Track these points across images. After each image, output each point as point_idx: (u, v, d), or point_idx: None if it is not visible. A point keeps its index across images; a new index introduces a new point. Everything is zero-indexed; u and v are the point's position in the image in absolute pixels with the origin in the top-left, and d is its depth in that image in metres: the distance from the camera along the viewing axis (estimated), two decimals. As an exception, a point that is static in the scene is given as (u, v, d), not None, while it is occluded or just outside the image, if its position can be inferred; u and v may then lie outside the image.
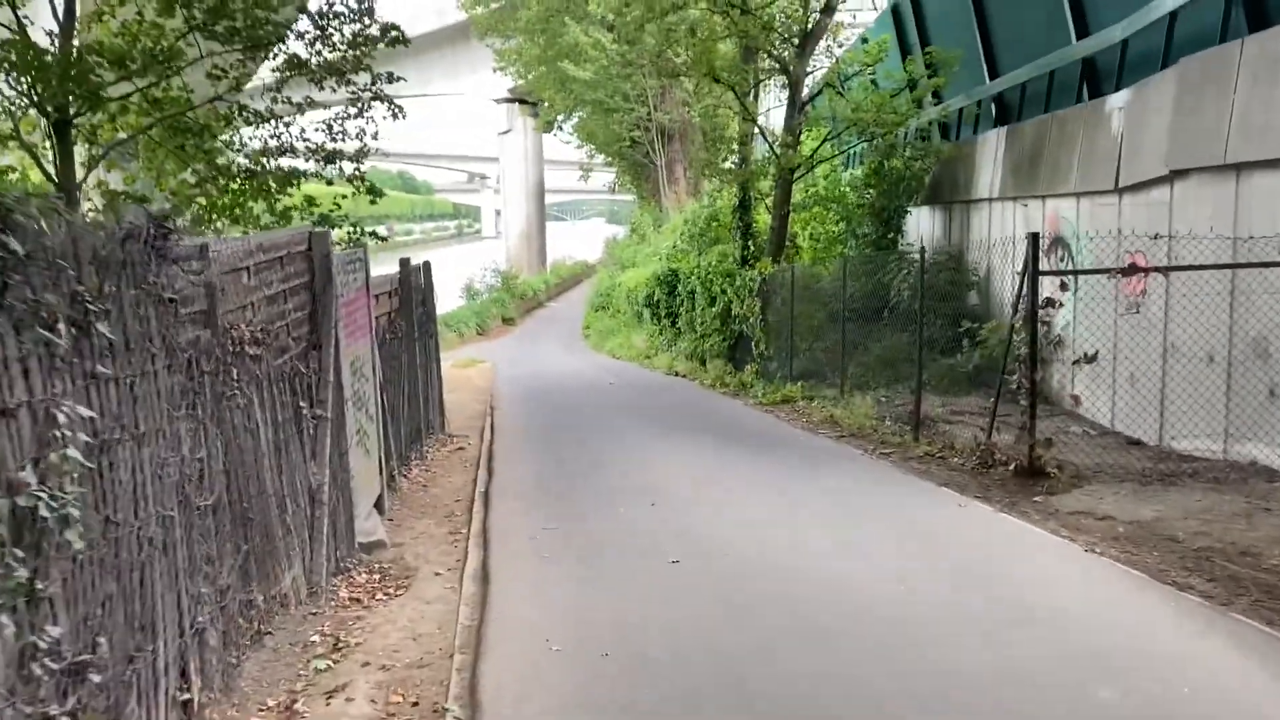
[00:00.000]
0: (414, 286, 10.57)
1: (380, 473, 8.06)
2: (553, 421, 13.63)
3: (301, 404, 6.20)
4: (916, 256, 16.33)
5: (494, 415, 14.35)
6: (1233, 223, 8.30)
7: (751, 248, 18.66)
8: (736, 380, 16.15)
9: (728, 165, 18.68)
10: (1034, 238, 7.96)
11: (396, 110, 12.81)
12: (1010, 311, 10.07)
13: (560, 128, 48.85)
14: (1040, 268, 7.99)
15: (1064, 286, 8.11)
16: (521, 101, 56.99)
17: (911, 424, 10.24)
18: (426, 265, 12.60)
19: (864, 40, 19.30)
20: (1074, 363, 8.92)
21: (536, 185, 61.86)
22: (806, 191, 18.67)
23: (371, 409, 7.89)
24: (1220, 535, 6.25)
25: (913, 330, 14.82)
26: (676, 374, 19.16)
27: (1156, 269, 7.97)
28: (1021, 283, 8.02)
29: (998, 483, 8.11)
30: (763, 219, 19.37)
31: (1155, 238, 8.45)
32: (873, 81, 17.74)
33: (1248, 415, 8.49)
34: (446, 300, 37.16)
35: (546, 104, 42.59)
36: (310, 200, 11.55)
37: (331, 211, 11.74)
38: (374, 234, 12.52)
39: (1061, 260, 11.93)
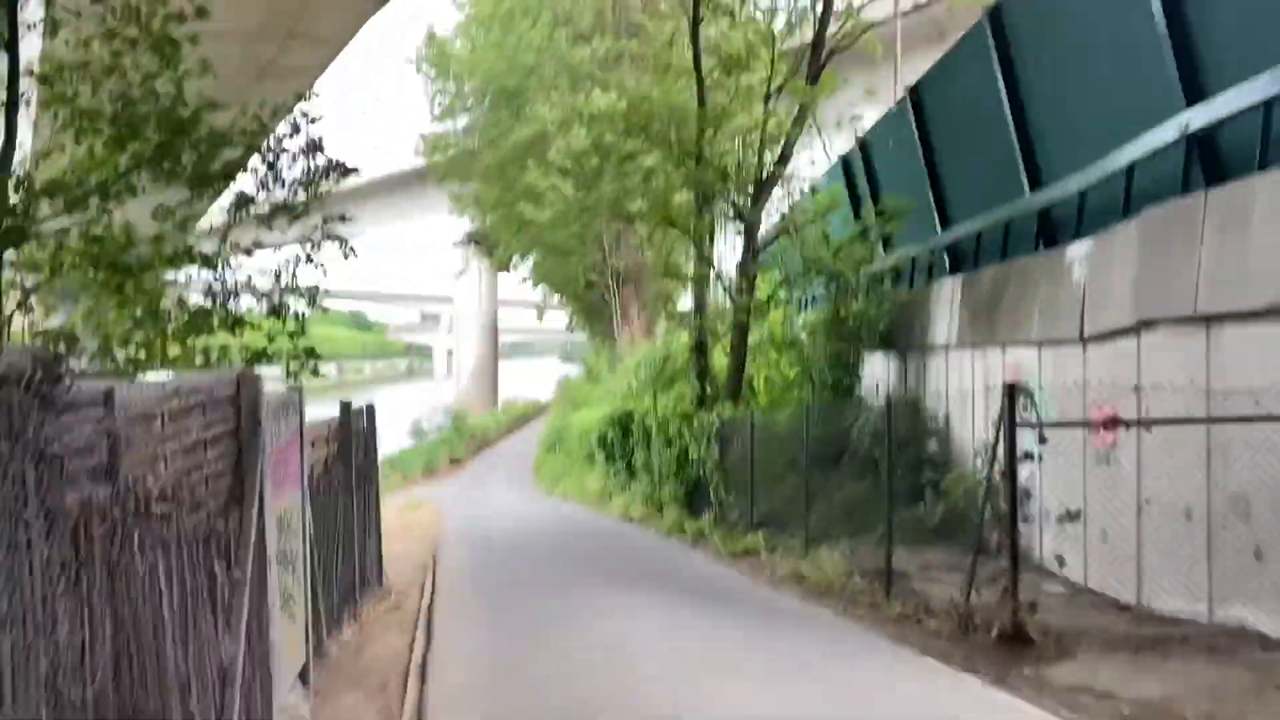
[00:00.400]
0: (355, 431, 9.93)
1: (306, 639, 7.24)
2: (499, 574, 12.82)
3: (217, 567, 5.48)
4: (876, 404, 16.15)
5: (437, 567, 13.49)
6: (1205, 374, 8.08)
7: (708, 390, 18.36)
8: (695, 528, 15.51)
9: (683, 308, 18.58)
10: (1010, 389, 7.66)
11: (348, 251, 12.34)
12: (982, 464, 9.70)
13: (515, 268, 49.19)
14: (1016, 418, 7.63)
15: (1043, 439, 7.75)
16: (477, 243, 57.64)
17: (882, 582, 9.66)
18: (370, 408, 11.99)
19: (813, 190, 19.63)
20: (1058, 520, 8.49)
21: (490, 324, 61.88)
22: (762, 335, 18.58)
23: (300, 567, 7.14)
24: (1234, 717, 5.70)
25: (874, 478, 14.42)
26: (632, 519, 18.47)
27: (1140, 422, 7.66)
28: (997, 434, 7.65)
29: (981, 650, 7.51)
30: (719, 361, 19.16)
31: (1136, 389, 8.18)
32: (824, 234, 17.93)
33: (1232, 576, 8.06)
34: (395, 440, 36.23)
35: (502, 246, 42.95)
36: (250, 349, 11.01)
37: (266, 349, 11.19)
38: (314, 368, 11.61)
39: (1025, 410, 11.69)
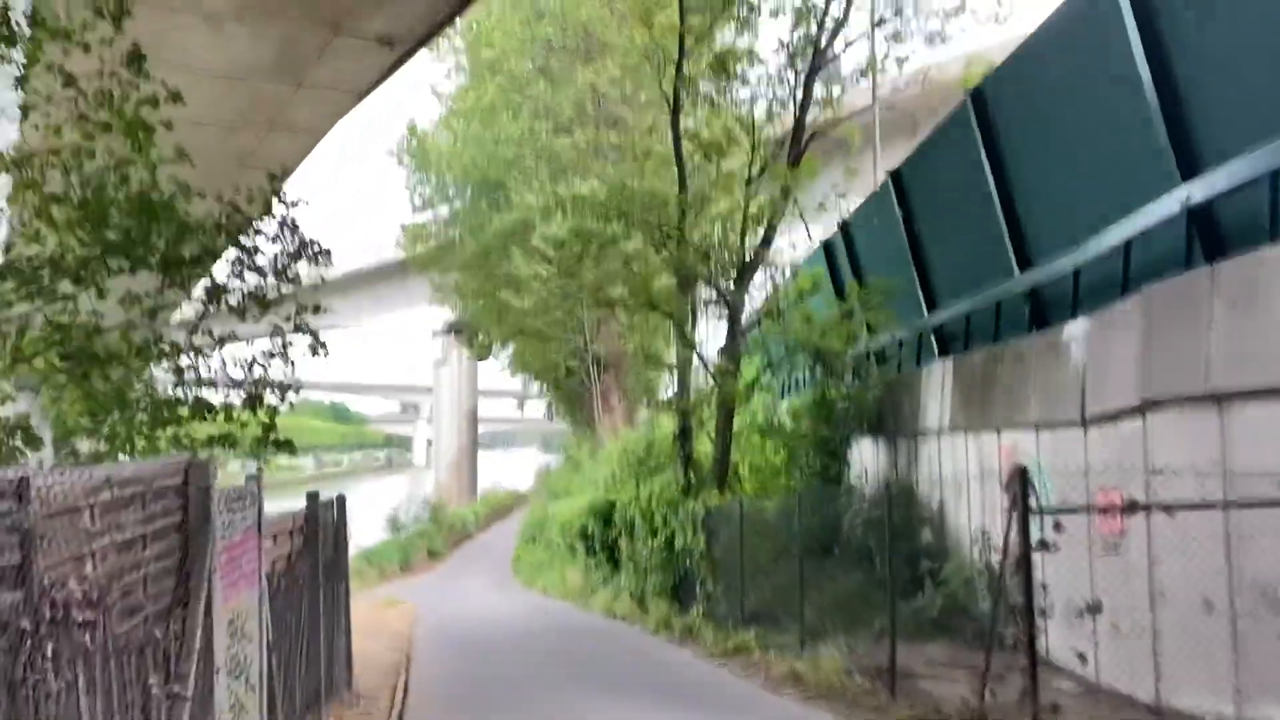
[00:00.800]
0: (323, 524, 9.31)
1: (260, 757, 6.53)
2: (476, 677, 12.05)
3: (153, 680, 4.85)
4: (867, 491, 15.61)
5: (410, 668, 12.67)
6: (1220, 455, 7.65)
7: (693, 477, 17.80)
8: (682, 624, 14.76)
9: (666, 395, 18.14)
10: (1022, 472, 7.18)
11: (319, 345, 11.81)
12: (979, 553, 9.17)
13: (496, 356, 48.83)
14: (1027, 506, 7.14)
15: (1058, 527, 7.24)
16: (457, 332, 57.37)
17: (885, 681, 9.00)
18: (340, 499, 11.37)
19: (795, 274, 19.41)
20: (1079, 614, 7.93)
21: (469, 414, 61.24)
22: (746, 421, 18.12)
23: (254, 676, 6.47)
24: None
25: (867, 569, 13.81)
26: (616, 616, 17.66)
27: (1157, 506, 7.18)
28: (1009, 522, 7.15)
29: (1001, 759, 6.88)
30: (704, 447, 18.65)
31: (1152, 473, 7.74)
32: (807, 317, 17.64)
33: (1262, 671, 7.51)
34: (372, 533, 35.22)
35: (482, 334, 42.66)
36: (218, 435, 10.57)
37: (232, 433, 10.72)
38: (287, 450, 11.05)
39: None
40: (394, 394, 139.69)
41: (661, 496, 16.79)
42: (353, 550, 31.84)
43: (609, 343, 36.85)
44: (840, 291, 18.10)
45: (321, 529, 9.31)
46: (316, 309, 11.10)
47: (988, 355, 12.60)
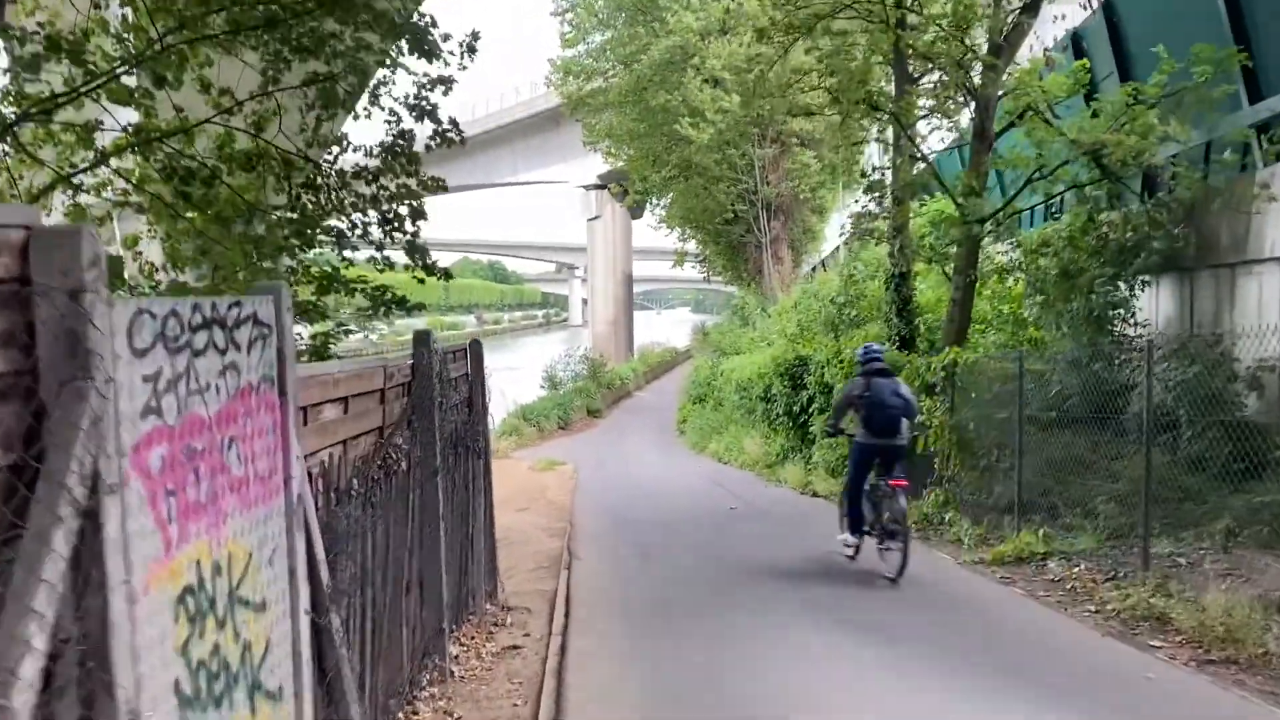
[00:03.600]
0: (439, 379, 5.99)
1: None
2: (658, 578, 8.85)
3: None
4: (1162, 344, 11.37)
5: (572, 564, 9.64)
6: None
7: (916, 328, 13.86)
8: (917, 511, 11.15)
9: (878, 222, 13.93)
10: None
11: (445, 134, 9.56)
12: None
13: (651, 209, 45.00)
14: None
15: None
16: (611, 187, 54.04)
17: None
18: (475, 346, 8.15)
19: (1048, 61, 14.39)
20: None
21: (625, 270, 58.52)
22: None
23: (281, 674, 3.24)
24: None
25: (1165, 447, 9.81)
26: (816, 494, 14.21)
27: None
28: None
29: None
30: (925, 295, 14.61)
31: None
32: (1092, 114, 12.80)
33: None
34: (530, 390, 32.97)
35: (637, 184, 38.73)
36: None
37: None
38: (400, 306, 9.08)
39: None
40: (550, 254, 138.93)
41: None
42: (512, 407, 29.64)
43: (781, 185, 32.43)
44: (1125, 73, 13.18)
45: (438, 386, 6.01)
46: (436, 183, 9.59)
47: None
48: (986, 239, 12.85)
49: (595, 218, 58.07)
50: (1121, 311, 11.96)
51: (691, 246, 44.23)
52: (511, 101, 60.28)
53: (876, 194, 13.30)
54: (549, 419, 28.66)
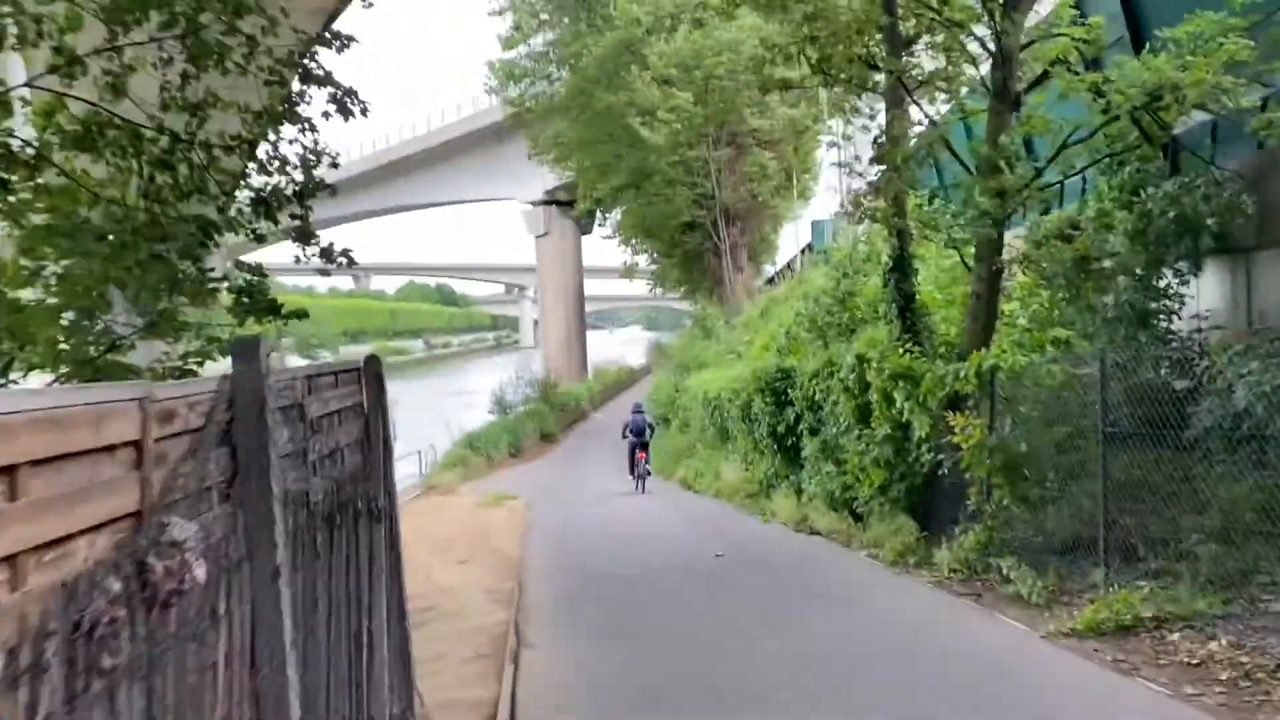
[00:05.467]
0: (288, 415, 3.40)
1: None
2: (644, 691, 6.30)
3: None
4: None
5: (520, 653, 7.09)
6: None
7: (923, 329, 11.57)
8: (954, 558, 8.77)
9: (879, 200, 11.58)
10: None
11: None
12: None
13: (601, 222, 42.63)
14: None
15: None
16: (559, 203, 51.77)
17: None
18: (371, 363, 5.65)
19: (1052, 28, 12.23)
20: None
21: (575, 288, 56.09)
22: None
23: None
24: None
25: (1253, 462, 7.64)
26: (816, 532, 11.80)
27: None
28: None
29: None
30: (927, 294, 12.33)
31: None
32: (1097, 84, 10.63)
33: None
34: (477, 417, 30.25)
35: (587, 195, 36.28)
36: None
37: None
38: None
39: None
40: (500, 275, 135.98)
41: (895, 361, 10.49)
42: (457, 435, 26.83)
43: (737, 189, 30.28)
44: (1138, 39, 11.04)
45: (289, 428, 3.46)
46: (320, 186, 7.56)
47: None
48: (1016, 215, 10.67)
49: (544, 234, 55.61)
50: (1168, 303, 9.78)
51: (642, 260, 41.96)
52: (453, 118, 57.64)
53: (885, 166, 10.94)
54: (498, 447, 25.97)
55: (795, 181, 31.63)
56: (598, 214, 41.94)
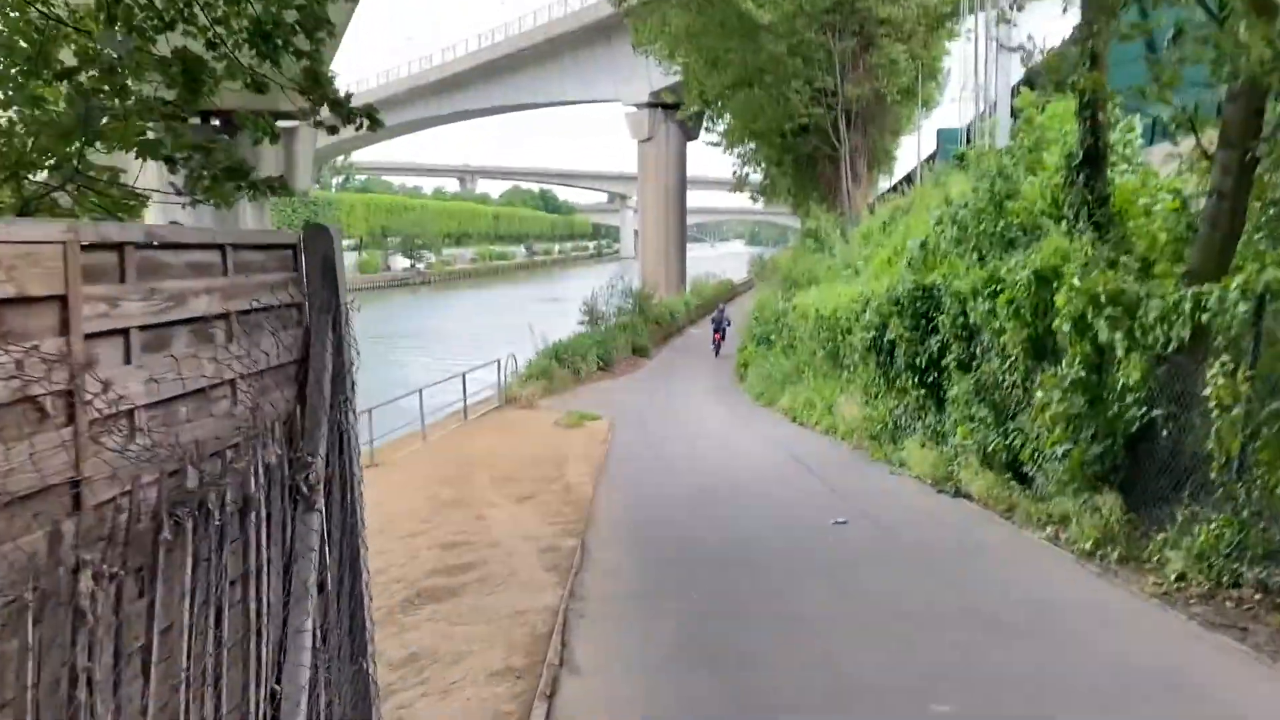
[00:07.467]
0: None
1: None
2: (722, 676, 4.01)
3: None
4: None
5: (564, 653, 4.91)
6: None
7: (1119, 239, 8.71)
8: (1188, 558, 6.16)
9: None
10: None
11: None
12: None
13: (708, 126, 39.29)
14: None
15: None
16: (664, 106, 48.67)
17: None
18: (317, 235, 3.30)
19: None
20: None
21: (677, 197, 53.22)
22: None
23: None
24: None
25: None
26: (963, 494, 9.26)
27: None
28: None
29: None
30: (1120, 195, 9.34)
31: None
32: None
33: None
34: (567, 326, 28.22)
35: (695, 93, 33.04)
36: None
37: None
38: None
39: None
40: (603, 183, 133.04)
41: (1103, 283, 7.62)
42: (542, 344, 24.77)
43: (862, 85, 26.78)
44: None
45: None
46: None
47: None
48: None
49: (647, 139, 52.72)
50: None
51: (751, 172, 38.69)
52: (560, 13, 54.47)
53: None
54: (586, 360, 23.85)
55: (921, 84, 27.99)
56: (705, 117, 38.63)
